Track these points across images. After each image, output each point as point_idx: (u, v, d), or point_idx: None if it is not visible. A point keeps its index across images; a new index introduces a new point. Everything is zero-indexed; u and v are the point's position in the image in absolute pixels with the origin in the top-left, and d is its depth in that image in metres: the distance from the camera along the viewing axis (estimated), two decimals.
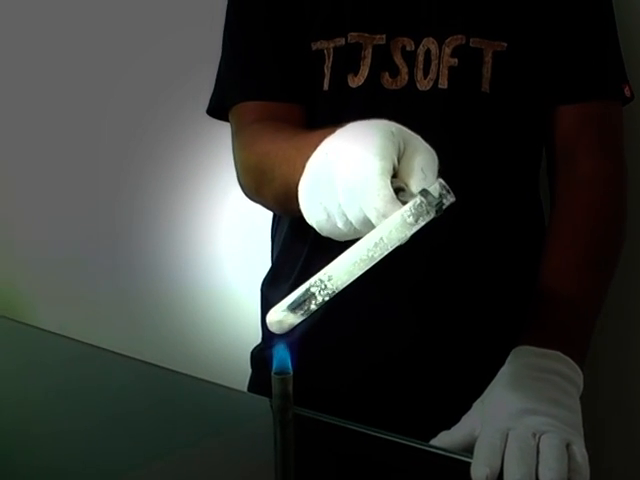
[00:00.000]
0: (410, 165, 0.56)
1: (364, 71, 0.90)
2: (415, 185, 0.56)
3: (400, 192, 0.56)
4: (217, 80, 0.99)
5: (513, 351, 0.80)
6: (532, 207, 0.99)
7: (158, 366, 0.88)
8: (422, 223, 0.54)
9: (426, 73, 0.90)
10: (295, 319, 0.54)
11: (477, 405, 0.76)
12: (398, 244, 0.54)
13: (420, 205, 0.54)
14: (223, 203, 1.32)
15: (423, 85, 0.90)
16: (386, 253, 0.54)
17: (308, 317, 0.55)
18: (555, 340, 0.80)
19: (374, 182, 0.54)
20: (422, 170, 0.56)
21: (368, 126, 0.58)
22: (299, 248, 0.94)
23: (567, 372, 0.78)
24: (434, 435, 0.75)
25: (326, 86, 0.92)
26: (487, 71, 0.89)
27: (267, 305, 0.96)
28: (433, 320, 0.92)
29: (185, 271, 1.45)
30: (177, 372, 0.86)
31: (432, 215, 0.54)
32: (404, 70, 0.90)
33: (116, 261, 1.55)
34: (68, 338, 0.97)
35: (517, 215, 0.96)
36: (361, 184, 0.55)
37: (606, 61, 0.95)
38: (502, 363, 0.80)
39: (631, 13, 1.05)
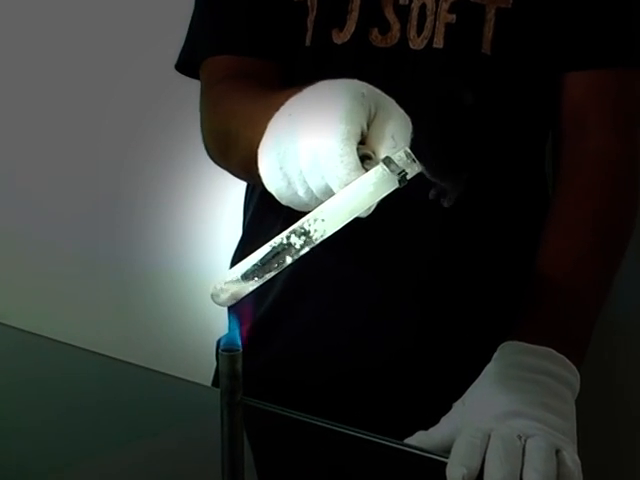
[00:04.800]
0: (380, 131, 0.56)
1: (350, 26, 0.89)
2: (383, 153, 0.56)
3: (367, 160, 0.56)
4: (188, 33, 0.98)
5: (500, 347, 0.79)
6: (536, 189, 0.97)
7: (116, 359, 0.89)
8: (383, 194, 0.54)
9: (420, 30, 0.88)
10: (245, 288, 0.55)
11: (457, 406, 0.75)
12: (357, 215, 0.54)
13: (382, 174, 0.54)
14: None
15: (416, 44, 0.88)
16: (342, 225, 0.54)
17: (255, 287, 0.55)
18: (548, 335, 0.79)
19: (338, 148, 0.54)
20: (393, 137, 0.56)
21: (337, 86, 0.58)
22: (272, 219, 0.92)
23: (560, 372, 0.76)
24: (410, 435, 0.75)
25: (308, 42, 0.90)
26: (489, 30, 0.88)
27: None
28: (435, 315, 0.92)
29: (149, 257, 1.50)
30: (134, 365, 0.88)
31: (395, 185, 0.54)
32: (395, 26, 0.89)
33: (75, 248, 1.59)
34: (17, 329, 0.99)
35: (520, 198, 0.95)
36: (324, 150, 0.55)
37: (627, 23, 0.92)
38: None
39: None
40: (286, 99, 0.60)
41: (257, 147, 0.59)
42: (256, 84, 0.86)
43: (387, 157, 0.54)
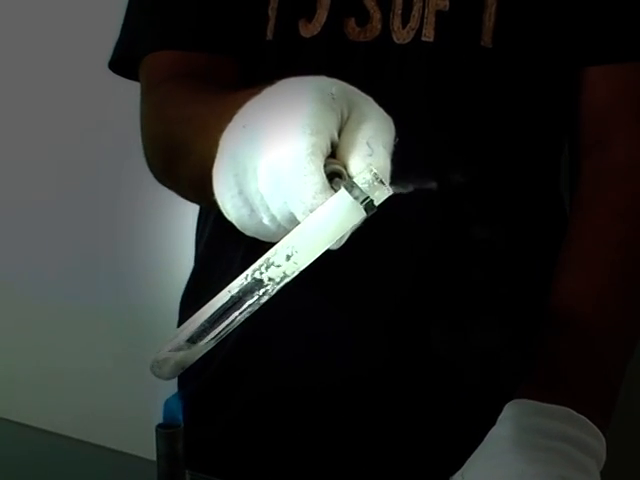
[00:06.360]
0: (353, 138, 0.52)
1: (321, 16, 0.84)
2: (355, 166, 0.51)
3: (335, 178, 0.51)
4: (124, 23, 0.92)
5: (508, 406, 0.73)
6: (550, 210, 0.92)
7: (45, 430, 0.87)
8: (350, 225, 0.50)
9: (406, 20, 0.84)
10: (193, 354, 0.52)
11: None
12: (321, 252, 0.50)
13: (346, 203, 0.49)
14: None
15: (401, 37, 0.84)
16: (303, 268, 0.50)
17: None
18: (567, 392, 0.74)
19: (301, 166, 0.50)
20: (368, 144, 0.51)
21: (299, 86, 0.53)
22: (230, 251, 0.88)
23: (581, 438, 0.71)
24: None
25: (270, 35, 0.85)
26: (489, 18, 0.83)
27: None
28: (410, 354, 0.87)
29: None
30: (67, 437, 0.86)
31: (360, 215, 0.49)
32: (376, 16, 0.84)
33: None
34: None
35: (530, 220, 0.90)
36: (286, 168, 0.50)
37: None
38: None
39: None
40: (242, 103, 0.55)
41: (211, 164, 0.55)
42: (208, 85, 0.81)
43: (350, 180, 0.50)
